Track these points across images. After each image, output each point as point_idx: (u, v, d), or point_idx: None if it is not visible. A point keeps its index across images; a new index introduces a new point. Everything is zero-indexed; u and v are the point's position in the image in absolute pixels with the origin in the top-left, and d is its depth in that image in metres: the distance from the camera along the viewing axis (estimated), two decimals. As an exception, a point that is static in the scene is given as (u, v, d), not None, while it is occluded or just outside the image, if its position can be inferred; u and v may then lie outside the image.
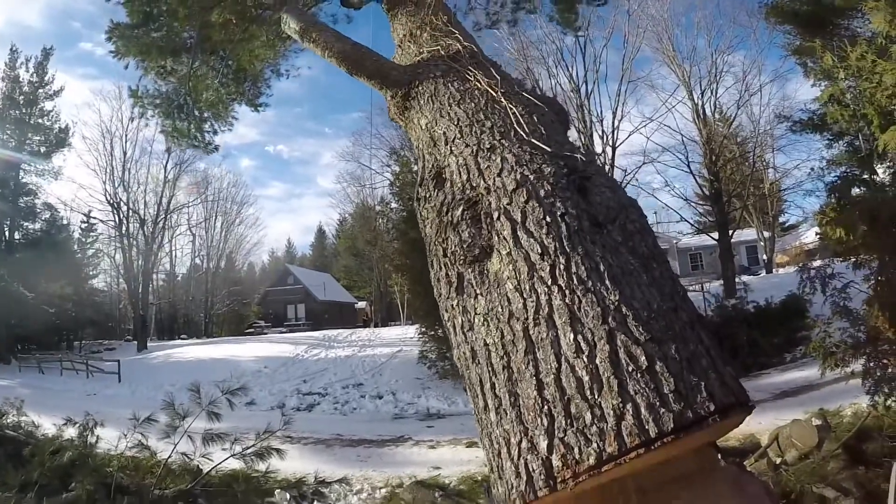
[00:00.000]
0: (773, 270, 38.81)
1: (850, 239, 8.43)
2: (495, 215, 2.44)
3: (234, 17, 7.27)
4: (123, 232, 43.05)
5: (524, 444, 1.85)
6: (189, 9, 7.52)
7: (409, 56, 4.61)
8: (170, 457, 8.03)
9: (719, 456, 1.94)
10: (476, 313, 2.29)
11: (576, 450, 1.70)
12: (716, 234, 31.63)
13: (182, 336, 50.87)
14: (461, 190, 2.68)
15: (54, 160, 37.33)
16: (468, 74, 3.70)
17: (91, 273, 46.61)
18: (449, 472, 11.42)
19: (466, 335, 2.33)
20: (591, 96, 34.32)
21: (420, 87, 3.88)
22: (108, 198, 43.14)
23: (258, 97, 9.93)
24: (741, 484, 1.87)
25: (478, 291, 2.33)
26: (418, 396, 20.90)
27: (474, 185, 2.67)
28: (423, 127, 3.62)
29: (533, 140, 2.78)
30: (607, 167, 30.65)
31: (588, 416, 1.72)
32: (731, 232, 31.67)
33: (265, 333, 46.51)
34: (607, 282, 2.00)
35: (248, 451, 8.09)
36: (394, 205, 37.50)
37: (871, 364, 7.95)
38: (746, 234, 42.61)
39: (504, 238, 2.34)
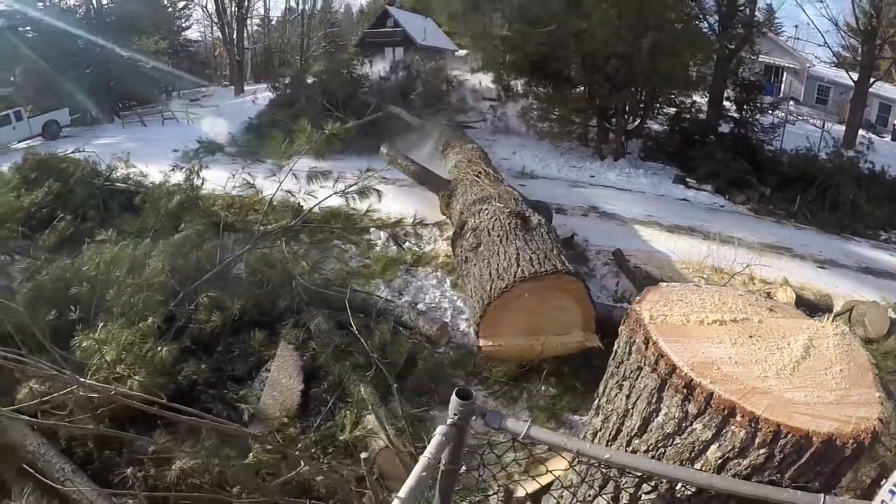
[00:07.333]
0: (901, 141, 34.79)
1: None
2: (483, 229, 8.37)
3: None
4: (214, -22, 41.77)
5: (492, 279, 7.34)
6: None
7: (455, 173, 11.89)
8: (274, 195, 8.28)
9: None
10: (473, 265, 7.94)
11: (506, 278, 7.06)
12: (855, 76, 27.49)
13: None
14: (472, 227, 8.62)
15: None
16: (480, 181, 10.40)
17: (184, 25, 46.33)
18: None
19: (468, 271, 8.03)
20: None
21: (457, 191, 10.60)
22: (255, -57, 41.40)
23: None
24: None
25: (474, 260, 7.97)
26: (514, 153, 20.33)
27: (476, 223, 8.67)
28: (458, 208, 9.88)
29: (503, 201, 9.13)
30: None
31: (514, 267, 7.17)
32: (871, 80, 27.50)
33: (363, 74, 45.52)
34: (522, 241, 7.75)
35: (351, 189, 8.28)
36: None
37: None
38: (886, 90, 37.13)
39: (485, 236, 8.18)
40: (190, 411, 3.66)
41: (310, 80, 23.16)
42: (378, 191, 8.65)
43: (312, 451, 5.05)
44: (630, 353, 2.33)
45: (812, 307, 9.52)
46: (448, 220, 10.52)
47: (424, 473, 1.76)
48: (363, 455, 4.72)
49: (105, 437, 5.04)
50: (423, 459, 1.80)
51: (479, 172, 10.93)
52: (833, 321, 2.54)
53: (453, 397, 1.98)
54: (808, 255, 13.49)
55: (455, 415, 1.97)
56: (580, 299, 7.18)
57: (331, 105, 18.58)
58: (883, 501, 1.60)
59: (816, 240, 15.28)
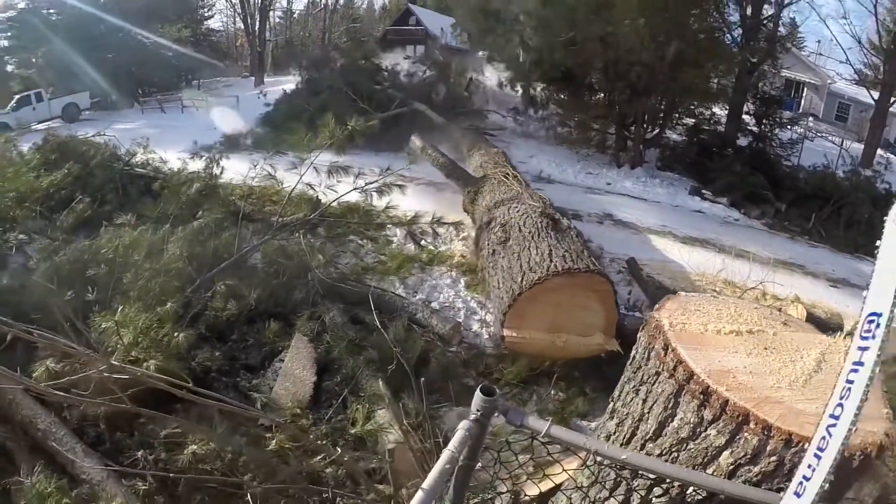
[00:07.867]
0: (921, 162, 34.61)
1: None
2: (513, 225, 8.65)
3: None
4: (237, -31, 41.89)
5: (523, 271, 7.52)
6: None
7: (480, 173, 12.26)
8: (294, 188, 8.33)
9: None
10: (501, 258, 8.18)
11: (537, 272, 7.29)
12: (876, 94, 27.12)
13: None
14: (501, 223, 8.92)
15: None
16: (508, 182, 10.73)
17: (206, 14, 46.50)
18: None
19: (496, 263, 8.28)
20: None
21: (484, 188, 10.93)
22: (219, -66, 41.64)
23: None
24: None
25: (502, 253, 8.24)
26: (531, 157, 20.32)
27: (506, 219, 8.96)
28: (484, 205, 10.18)
29: (534, 201, 9.46)
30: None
31: (547, 261, 7.45)
32: (892, 99, 27.39)
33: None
34: (554, 240, 8.00)
35: (371, 185, 8.35)
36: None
37: None
38: (907, 109, 36.57)
39: (515, 232, 8.45)
40: (215, 396, 3.73)
41: (330, 70, 23.28)
42: (400, 186, 8.72)
43: (324, 442, 5.10)
44: (649, 359, 2.40)
45: (822, 325, 9.49)
46: (466, 220, 10.60)
47: (448, 466, 1.80)
48: (388, 446, 4.77)
49: (116, 420, 5.12)
50: (446, 453, 1.83)
51: (507, 174, 11.35)
52: (845, 338, 2.59)
53: (477, 393, 2.01)
54: (820, 273, 13.45)
55: (478, 411, 1.99)
56: (606, 302, 7.43)
57: (355, 96, 18.64)
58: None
59: (829, 258, 15.19)
